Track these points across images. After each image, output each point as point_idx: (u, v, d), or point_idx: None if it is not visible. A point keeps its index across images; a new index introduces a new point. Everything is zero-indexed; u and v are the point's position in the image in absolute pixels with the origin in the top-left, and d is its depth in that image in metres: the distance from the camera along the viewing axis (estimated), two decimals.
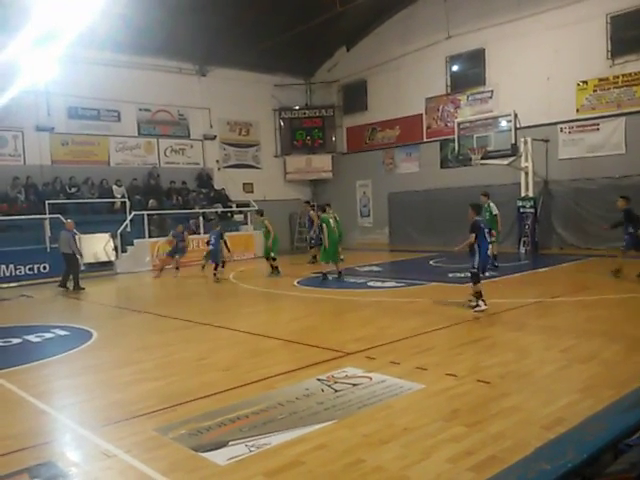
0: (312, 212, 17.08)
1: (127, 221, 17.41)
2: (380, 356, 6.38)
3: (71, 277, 13.53)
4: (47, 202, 16.39)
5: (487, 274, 10.22)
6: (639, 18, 15.56)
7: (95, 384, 6.05)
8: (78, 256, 13.81)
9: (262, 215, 15.60)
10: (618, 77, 16.19)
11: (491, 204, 13.66)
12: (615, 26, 16.09)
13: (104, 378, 6.23)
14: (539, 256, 16.26)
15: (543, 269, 13.62)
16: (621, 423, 2.81)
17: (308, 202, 18.33)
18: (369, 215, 23.31)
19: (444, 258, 16.17)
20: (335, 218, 13.44)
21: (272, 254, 14.62)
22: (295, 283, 13.03)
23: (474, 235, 8.53)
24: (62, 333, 8.62)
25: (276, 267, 14.55)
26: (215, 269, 14.24)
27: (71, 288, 13.41)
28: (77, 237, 14.41)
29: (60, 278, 13.68)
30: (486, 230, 8.93)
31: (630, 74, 15.96)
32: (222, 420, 4.62)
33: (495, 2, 18.20)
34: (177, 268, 15.89)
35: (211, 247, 14.40)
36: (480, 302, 8.55)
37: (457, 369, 5.73)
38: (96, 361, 6.98)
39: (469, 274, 8.79)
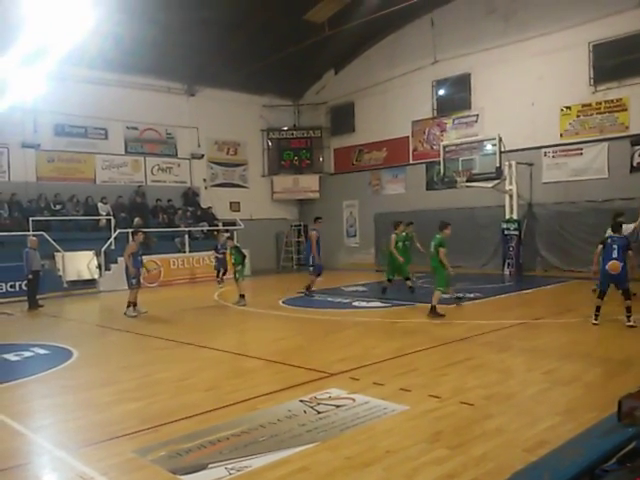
0: (314, 232, 14.50)
1: (112, 239, 17.29)
2: (364, 377, 6.35)
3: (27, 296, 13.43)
4: (31, 219, 16.24)
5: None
6: (620, 47, 15.95)
7: (74, 404, 5.94)
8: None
9: (231, 239, 15.29)
10: (601, 103, 16.51)
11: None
12: (597, 54, 16.46)
13: (83, 398, 6.12)
14: (523, 278, 16.35)
15: (527, 291, 13.70)
16: (598, 448, 2.81)
17: (319, 218, 15.34)
18: (355, 235, 23.37)
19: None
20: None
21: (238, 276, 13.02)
22: (280, 302, 12.97)
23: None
24: (42, 352, 8.49)
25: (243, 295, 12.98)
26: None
27: (27, 307, 13.28)
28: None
29: (27, 299, 13.52)
30: None
31: (612, 100, 16.29)
32: (202, 442, 4.55)
33: (481, 28, 18.56)
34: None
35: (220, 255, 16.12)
36: None
37: (441, 390, 5.71)
38: (75, 381, 6.86)
39: None
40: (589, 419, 4.49)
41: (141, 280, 12.59)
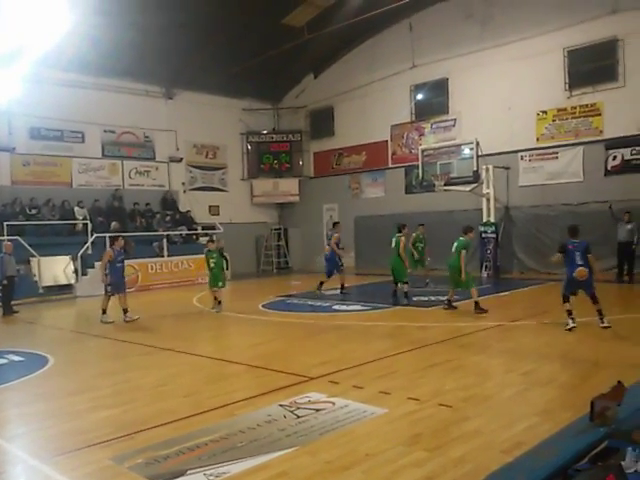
0: (337, 234, 14.82)
1: (88, 243, 17.07)
2: (344, 380, 6.35)
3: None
4: (5, 223, 15.96)
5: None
6: (594, 53, 16.26)
7: (49, 412, 5.84)
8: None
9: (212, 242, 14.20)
10: (576, 108, 16.79)
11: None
12: (572, 59, 16.74)
13: (59, 406, 6.02)
14: (500, 280, 16.52)
15: (504, 293, 13.85)
16: (571, 448, 2.85)
17: (337, 223, 15.98)
18: None
19: (409, 281, 16.27)
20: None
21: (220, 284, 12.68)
22: (260, 306, 12.93)
23: None
24: (16, 359, 8.33)
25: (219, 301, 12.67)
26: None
27: (2, 313, 13.05)
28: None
29: (2, 304, 13.27)
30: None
31: (587, 105, 16.57)
32: (180, 448, 4.51)
33: (458, 34, 18.75)
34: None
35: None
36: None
37: (420, 393, 5.74)
38: (51, 388, 6.75)
39: None
40: (565, 419, 4.54)
41: (125, 285, 12.14)
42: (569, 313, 8.83)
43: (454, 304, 11.37)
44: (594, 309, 8.79)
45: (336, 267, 14.66)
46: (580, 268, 8.65)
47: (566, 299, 8.88)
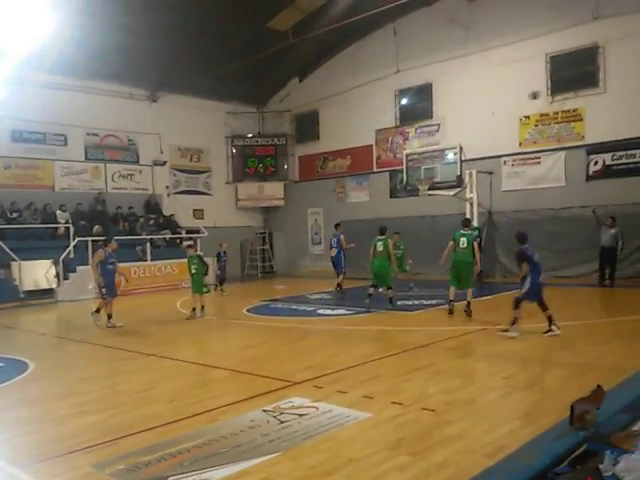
0: (342, 236, 15.37)
1: (70, 247, 16.90)
2: (328, 385, 6.35)
3: None
4: None
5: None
6: (575, 59, 16.50)
7: (30, 418, 5.77)
8: None
9: (192, 247, 14.20)
10: (558, 113, 17.00)
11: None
12: (554, 65, 16.97)
13: (40, 412, 5.94)
14: (483, 284, 16.57)
15: (487, 297, 13.94)
16: (551, 452, 2.89)
17: (339, 224, 16.19)
18: (320, 243, 23.40)
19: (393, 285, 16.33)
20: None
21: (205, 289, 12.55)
22: (245, 311, 12.88)
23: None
24: None
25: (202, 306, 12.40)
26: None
27: None
28: None
29: None
30: None
31: (569, 111, 16.79)
32: (162, 454, 4.47)
33: (442, 39, 18.91)
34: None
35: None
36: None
37: (403, 397, 5.75)
38: (32, 394, 6.66)
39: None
40: (547, 422, 4.58)
41: (116, 290, 12.03)
42: (515, 321, 8.67)
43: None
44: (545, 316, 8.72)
45: (340, 267, 15.17)
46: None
47: (519, 305, 8.73)
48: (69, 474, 4.23)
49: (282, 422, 5.15)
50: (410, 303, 12.91)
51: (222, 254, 17.10)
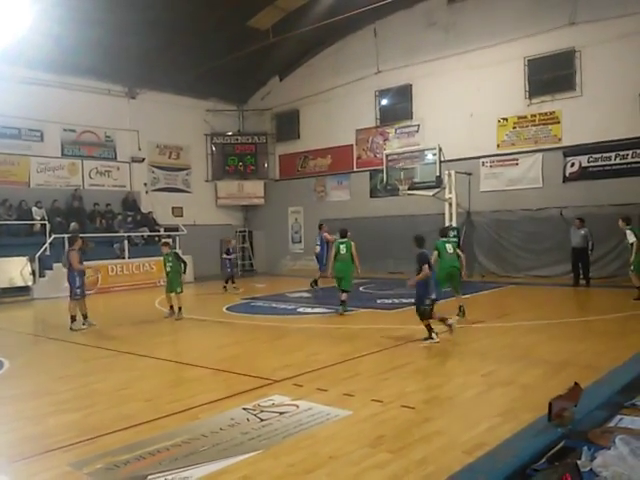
0: (326, 233, 16.11)
1: (47, 244, 16.64)
2: (308, 383, 6.36)
3: None
4: None
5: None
6: (552, 63, 16.73)
7: (5, 417, 5.68)
8: None
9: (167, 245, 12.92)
10: (535, 116, 17.23)
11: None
12: (532, 68, 17.18)
13: (15, 410, 5.85)
14: (462, 283, 16.76)
15: (465, 296, 14.02)
16: (530, 449, 2.93)
17: (322, 225, 16.91)
18: (300, 241, 23.40)
19: (373, 284, 16.42)
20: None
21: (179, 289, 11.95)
22: (225, 309, 12.82)
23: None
24: None
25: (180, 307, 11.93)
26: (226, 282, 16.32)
27: None
28: None
29: None
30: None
31: (546, 113, 17.03)
32: (141, 453, 4.43)
33: (422, 41, 19.03)
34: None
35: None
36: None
37: (383, 395, 5.78)
38: (7, 392, 6.55)
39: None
40: (527, 419, 4.64)
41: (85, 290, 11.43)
42: (430, 328, 8.38)
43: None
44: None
45: (321, 263, 15.65)
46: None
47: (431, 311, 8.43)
48: (46, 473, 4.17)
49: (262, 420, 5.14)
50: (389, 302, 12.98)
51: (230, 251, 16.89)
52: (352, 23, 19.16)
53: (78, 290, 10.99)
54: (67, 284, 11.17)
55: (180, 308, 11.79)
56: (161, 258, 12.42)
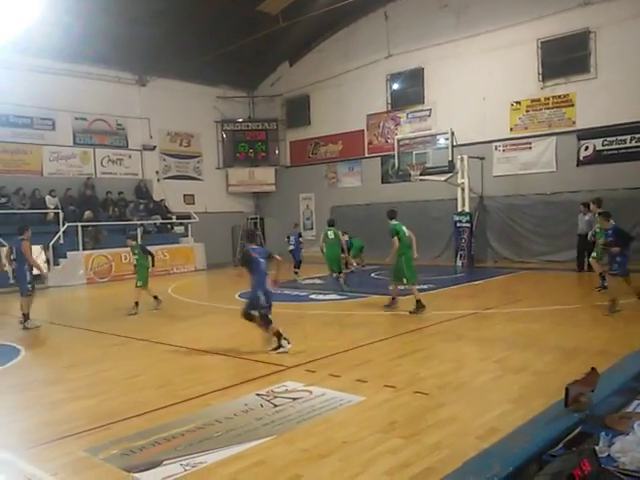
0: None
1: (60, 233, 16.77)
2: (320, 369, 6.37)
3: None
4: None
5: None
6: (566, 44, 16.44)
7: (22, 403, 5.75)
8: None
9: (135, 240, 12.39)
10: (549, 99, 16.99)
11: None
12: (545, 51, 16.91)
13: (32, 397, 5.93)
14: (475, 269, 16.72)
15: (478, 282, 14.01)
16: (545, 434, 2.91)
17: (297, 224, 17.90)
18: (312, 228, 23.38)
19: (385, 271, 16.36)
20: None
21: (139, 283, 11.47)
22: (237, 296, 12.85)
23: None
24: None
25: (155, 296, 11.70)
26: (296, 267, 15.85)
27: None
28: None
29: None
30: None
31: (560, 96, 16.78)
32: (156, 439, 4.48)
33: (433, 24, 18.79)
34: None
35: (292, 247, 16.12)
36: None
37: (396, 380, 5.78)
38: (24, 379, 6.64)
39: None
40: (539, 405, 4.61)
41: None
42: (279, 336, 7.25)
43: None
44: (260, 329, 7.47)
45: (296, 258, 16.24)
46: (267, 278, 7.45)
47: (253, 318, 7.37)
48: (63, 459, 4.22)
49: (276, 406, 5.16)
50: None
51: (297, 236, 16.66)
52: (362, 6, 18.96)
53: (29, 286, 10.26)
54: (15, 279, 10.32)
55: (137, 303, 11.11)
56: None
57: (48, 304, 14.39)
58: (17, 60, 17.27)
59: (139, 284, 11.33)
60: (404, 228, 10.10)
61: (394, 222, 10.18)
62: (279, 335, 7.27)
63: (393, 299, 10.30)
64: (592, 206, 12.24)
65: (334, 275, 13.29)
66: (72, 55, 18.34)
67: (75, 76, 19.01)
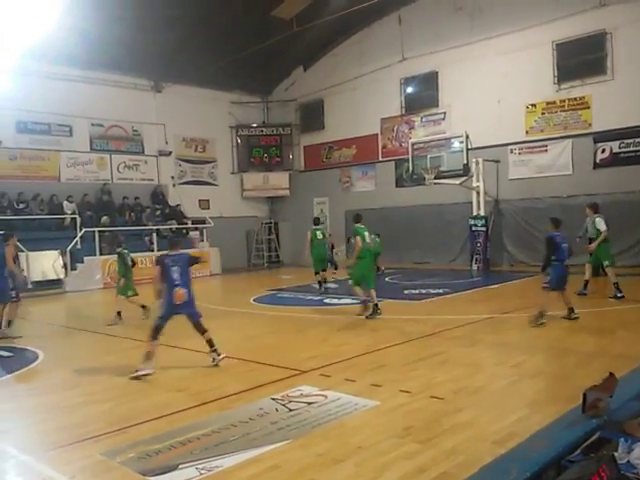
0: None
1: (77, 238, 16.96)
2: (335, 374, 6.36)
3: None
4: None
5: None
6: (582, 46, 16.32)
7: (40, 407, 5.81)
8: None
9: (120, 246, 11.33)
10: (564, 101, 16.86)
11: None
12: (561, 53, 16.80)
13: (50, 401, 5.99)
14: (490, 273, 16.62)
15: (494, 286, 13.92)
16: (563, 440, 2.88)
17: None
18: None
19: (400, 275, 16.35)
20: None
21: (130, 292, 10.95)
22: (251, 300, 12.91)
23: None
24: (5, 354, 8.25)
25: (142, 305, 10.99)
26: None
27: None
28: None
29: None
30: None
31: (575, 98, 16.66)
32: (172, 442, 4.50)
33: (448, 27, 18.75)
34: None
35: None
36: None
37: (411, 385, 5.76)
38: (42, 383, 6.72)
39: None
40: (556, 411, 4.58)
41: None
42: (212, 345, 7.06)
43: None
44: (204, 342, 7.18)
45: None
46: (177, 289, 6.89)
47: (158, 333, 6.85)
48: (80, 462, 4.26)
49: (291, 410, 5.17)
50: (416, 292, 12.91)
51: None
52: (376, 10, 18.95)
53: (13, 292, 9.96)
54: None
55: (119, 312, 10.73)
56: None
57: (65, 308, 14.56)
58: (34, 67, 17.51)
59: (130, 293, 10.84)
60: (366, 233, 10.37)
61: (359, 225, 10.55)
62: (211, 342, 7.07)
63: (364, 302, 10.17)
64: (587, 210, 12.03)
65: (320, 274, 13.65)
66: (88, 62, 18.57)
67: (91, 83, 19.24)
